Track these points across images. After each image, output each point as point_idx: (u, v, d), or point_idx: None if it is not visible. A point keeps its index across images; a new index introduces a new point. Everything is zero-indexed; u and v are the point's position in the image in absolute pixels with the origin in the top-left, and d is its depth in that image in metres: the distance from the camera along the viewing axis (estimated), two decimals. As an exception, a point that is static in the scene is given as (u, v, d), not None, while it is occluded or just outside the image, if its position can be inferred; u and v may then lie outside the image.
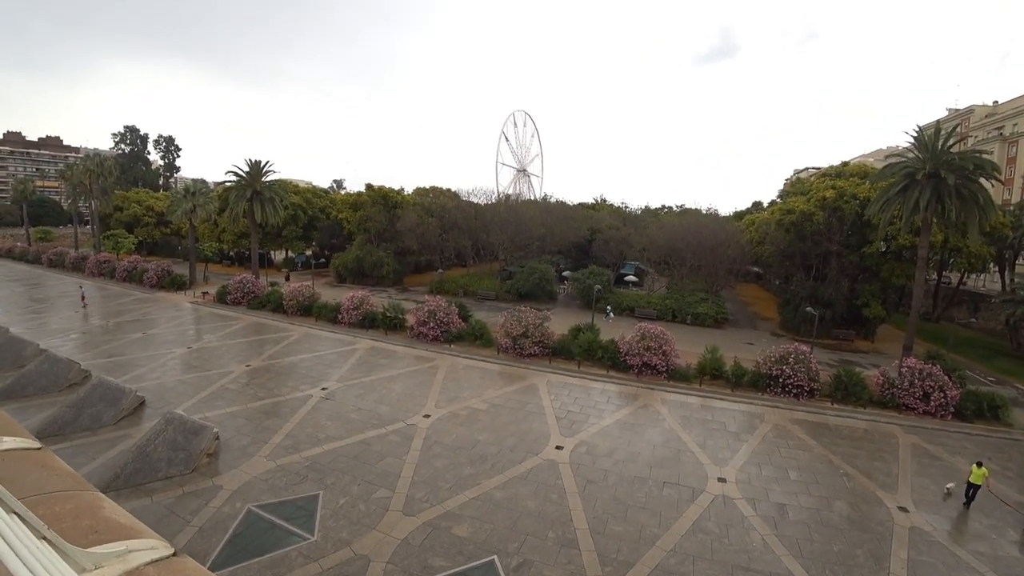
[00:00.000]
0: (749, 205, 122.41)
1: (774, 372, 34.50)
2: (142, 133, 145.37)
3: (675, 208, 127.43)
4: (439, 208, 75.77)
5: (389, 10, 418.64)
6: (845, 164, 65.75)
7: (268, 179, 63.47)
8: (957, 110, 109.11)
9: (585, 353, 38.45)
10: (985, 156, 42.69)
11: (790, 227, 56.00)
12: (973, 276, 77.51)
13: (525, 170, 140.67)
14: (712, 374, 36.30)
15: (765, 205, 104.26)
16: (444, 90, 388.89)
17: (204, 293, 60.24)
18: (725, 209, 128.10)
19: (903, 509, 21.43)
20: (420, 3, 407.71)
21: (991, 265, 66.72)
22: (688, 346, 40.89)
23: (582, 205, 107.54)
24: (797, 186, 69.05)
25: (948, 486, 22.52)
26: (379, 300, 52.13)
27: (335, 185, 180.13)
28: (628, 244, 75.25)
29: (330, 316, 48.92)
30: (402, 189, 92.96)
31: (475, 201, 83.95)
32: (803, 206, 54.84)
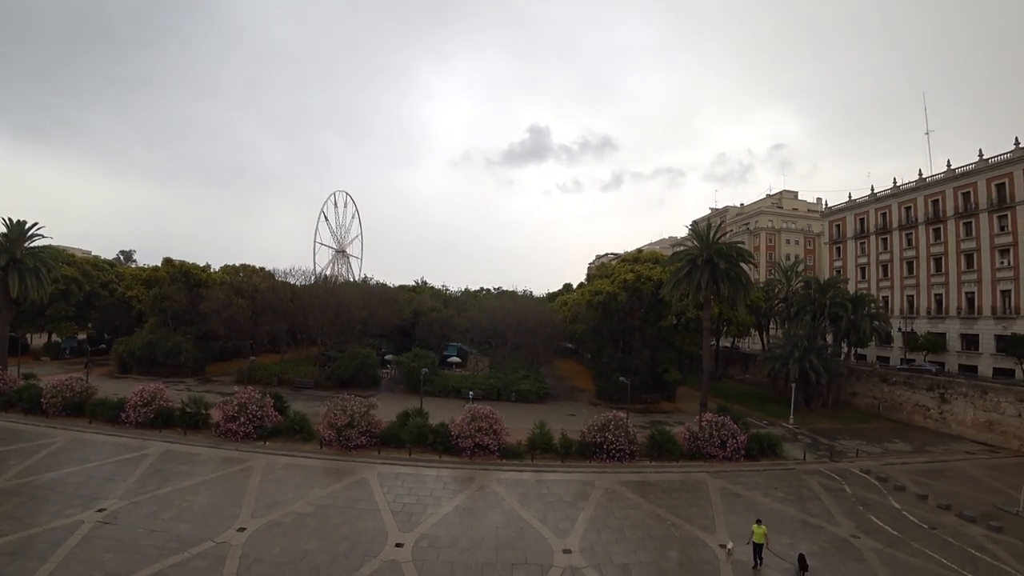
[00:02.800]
0: (560, 287, 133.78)
1: (598, 440, 37.15)
2: None
3: (493, 290, 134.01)
4: (250, 288, 68.83)
5: (217, 83, 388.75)
6: (640, 251, 76.98)
7: (33, 244, 53.21)
8: (716, 209, 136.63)
9: (416, 439, 37.08)
10: (742, 246, 53.82)
11: (598, 306, 63.02)
12: (742, 340, 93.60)
13: (344, 251, 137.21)
14: (542, 448, 37.65)
15: (574, 287, 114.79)
16: (258, 167, 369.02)
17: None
18: (539, 290, 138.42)
19: (723, 546, 24.14)
20: (242, 75, 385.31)
21: (753, 331, 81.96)
22: (516, 423, 41.78)
23: (403, 287, 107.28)
24: (602, 269, 77.87)
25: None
26: (176, 393, 45.14)
27: (122, 257, 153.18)
28: (451, 326, 76.50)
29: (110, 415, 39.93)
30: (208, 266, 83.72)
31: (291, 282, 78.46)
32: (608, 287, 62.24)
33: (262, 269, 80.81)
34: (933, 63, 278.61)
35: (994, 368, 60.33)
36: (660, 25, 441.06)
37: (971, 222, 65.14)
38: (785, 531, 26.48)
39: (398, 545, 22.51)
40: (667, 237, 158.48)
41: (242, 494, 27.39)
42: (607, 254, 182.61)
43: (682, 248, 55.16)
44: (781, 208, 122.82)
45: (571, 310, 73.98)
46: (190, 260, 76.94)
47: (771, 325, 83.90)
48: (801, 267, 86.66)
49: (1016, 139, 60.08)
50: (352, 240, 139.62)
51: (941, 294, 68.73)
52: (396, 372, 65.12)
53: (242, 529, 23.23)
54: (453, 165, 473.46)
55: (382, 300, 78.06)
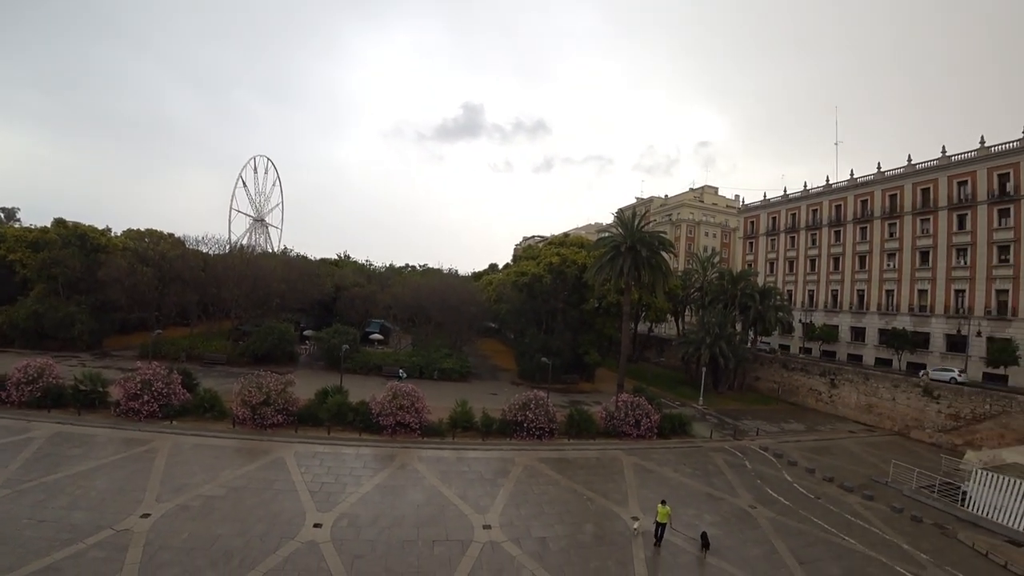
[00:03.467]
0: (487, 267, 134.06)
1: (519, 418, 38.03)
2: None
3: (419, 267, 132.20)
4: (157, 256, 63.33)
5: (120, 23, 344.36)
6: (566, 235, 78.77)
7: None
8: (642, 198, 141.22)
9: (335, 417, 36.35)
10: (663, 235, 56.31)
11: (523, 287, 64.08)
12: (659, 325, 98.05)
13: (263, 220, 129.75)
14: (464, 426, 38.08)
15: (500, 267, 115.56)
16: (168, 123, 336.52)
17: None
18: (465, 269, 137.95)
19: (635, 518, 25.63)
20: (150, 18, 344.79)
21: (669, 317, 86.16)
22: (438, 401, 41.92)
23: (325, 261, 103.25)
24: (528, 251, 78.91)
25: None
26: (69, 369, 41.52)
27: (2, 215, 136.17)
28: (374, 302, 74.86)
29: (-14, 396, 35.29)
30: (108, 230, 76.52)
31: (204, 251, 73.39)
32: (534, 269, 63.35)
33: (171, 235, 74.84)
34: (845, 82, 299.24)
35: (876, 358, 67.29)
36: (601, 13, 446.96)
37: (866, 227, 71.60)
38: (692, 504, 28.56)
39: (316, 525, 22.14)
40: (593, 223, 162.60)
41: (146, 478, 25.64)
42: (534, 236, 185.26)
43: (607, 234, 56.80)
44: (702, 202, 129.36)
45: (496, 290, 74.86)
46: (87, 222, 70.27)
47: (686, 312, 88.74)
48: (717, 259, 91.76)
49: (909, 156, 67.37)
50: (272, 209, 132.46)
51: (837, 290, 75.27)
52: (315, 348, 63.18)
53: (146, 515, 21.70)
54: (383, 137, 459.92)
55: (302, 273, 74.95)
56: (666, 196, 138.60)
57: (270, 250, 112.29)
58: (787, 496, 31.15)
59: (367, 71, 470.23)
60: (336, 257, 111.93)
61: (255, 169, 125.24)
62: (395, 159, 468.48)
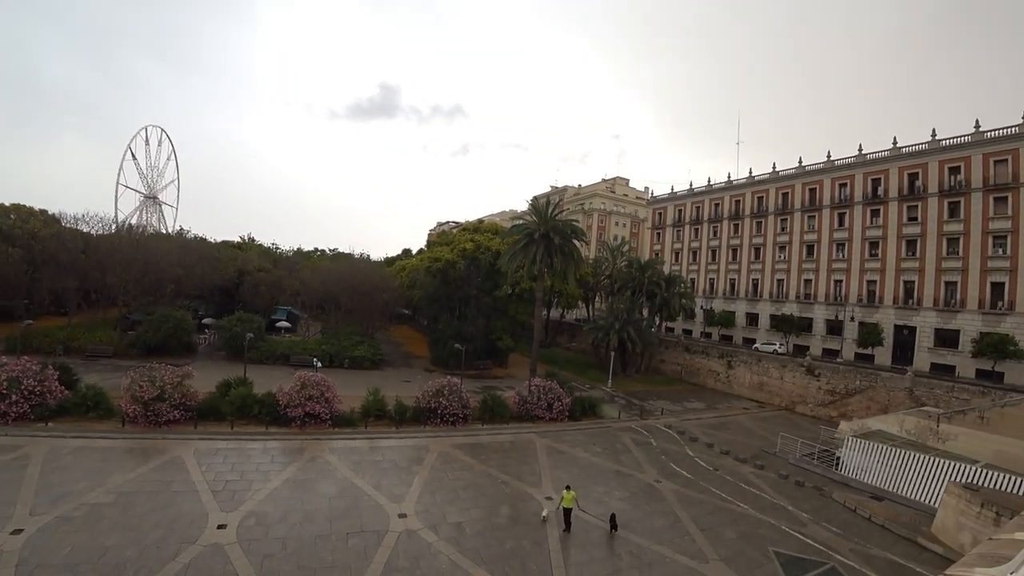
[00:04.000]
0: (400, 252, 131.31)
1: (432, 405, 37.89)
2: None
3: (329, 251, 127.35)
4: (26, 235, 55.79)
5: None
6: (481, 221, 78.83)
7: None
8: (556, 187, 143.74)
9: (239, 411, 34.40)
10: (576, 224, 57.94)
11: (437, 273, 63.61)
12: (571, 311, 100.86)
13: (156, 197, 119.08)
14: (376, 415, 37.35)
15: (414, 252, 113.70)
16: (41, 82, 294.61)
17: None
18: (377, 254, 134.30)
19: (549, 498, 26.45)
20: None
21: (580, 303, 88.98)
22: (349, 390, 40.92)
23: (227, 244, 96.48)
24: (442, 237, 78.37)
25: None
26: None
27: None
28: (280, 288, 71.32)
29: None
30: None
31: (84, 230, 66.12)
32: (448, 255, 62.97)
33: (43, 212, 66.38)
34: (747, 86, 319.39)
35: (768, 341, 73.06)
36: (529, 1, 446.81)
37: (762, 222, 77.89)
38: (602, 481, 29.88)
39: (220, 527, 20.86)
40: (508, 210, 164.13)
41: (16, 489, 22.50)
42: (448, 222, 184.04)
43: (521, 222, 57.81)
44: (614, 193, 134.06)
45: (409, 276, 73.82)
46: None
47: (596, 299, 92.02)
48: (626, 248, 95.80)
49: (800, 159, 74.09)
50: (166, 186, 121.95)
51: (735, 279, 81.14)
52: (216, 338, 59.26)
53: (18, 531, 19.04)
54: (292, 113, 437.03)
55: (201, 257, 69.50)
56: (579, 186, 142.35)
57: (164, 231, 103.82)
58: (689, 469, 33.36)
59: (274, 38, 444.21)
60: (239, 240, 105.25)
61: (147, 141, 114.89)
62: (305, 137, 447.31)
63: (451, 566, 19.56)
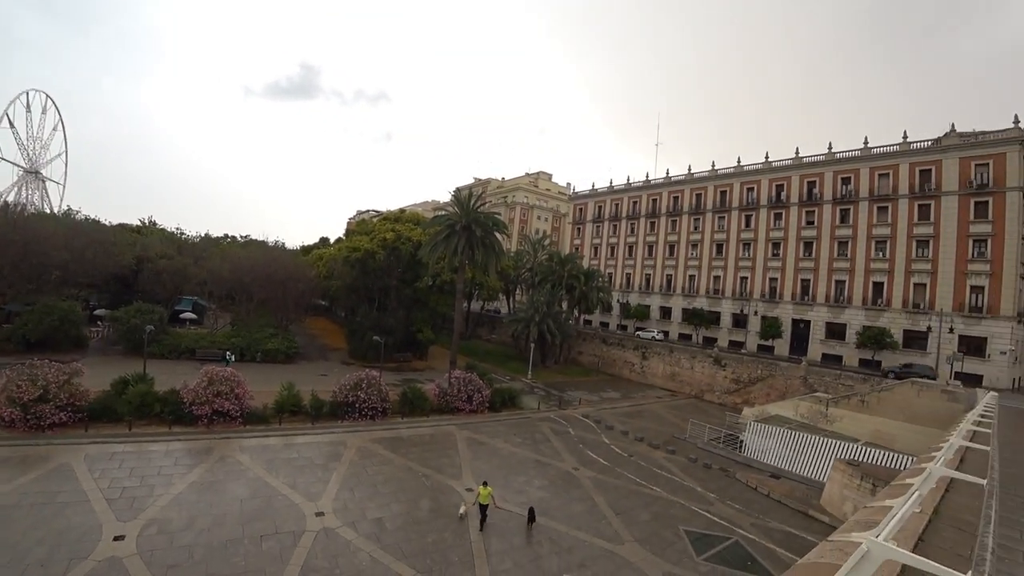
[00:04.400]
0: (317, 240, 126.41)
1: (350, 399, 36.77)
2: None
3: (240, 238, 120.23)
4: None
5: None
6: (402, 211, 77.34)
7: None
8: (480, 179, 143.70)
9: (138, 411, 31.77)
10: (498, 217, 58.20)
11: (356, 263, 61.77)
12: (492, 303, 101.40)
13: (38, 172, 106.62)
14: (291, 410, 35.78)
15: (332, 241, 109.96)
16: None
17: None
18: (293, 242, 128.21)
19: (469, 489, 26.45)
20: None
21: (502, 295, 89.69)
22: (262, 385, 38.94)
23: (125, 227, 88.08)
24: (362, 226, 76.06)
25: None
26: None
27: None
28: (185, 276, 66.30)
29: None
30: None
31: None
32: (368, 245, 61.30)
33: None
34: (666, 89, 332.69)
35: (680, 333, 77.31)
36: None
37: (676, 220, 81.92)
38: (522, 471, 30.31)
39: (118, 539, 19.03)
40: (431, 200, 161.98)
41: None
42: (369, 211, 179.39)
43: (443, 213, 57.34)
44: (537, 187, 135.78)
45: (327, 265, 71.29)
46: None
47: (517, 291, 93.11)
48: (547, 242, 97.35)
49: (712, 162, 79.27)
50: (52, 160, 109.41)
51: (651, 274, 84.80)
52: (111, 331, 54.32)
53: None
54: (202, 88, 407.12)
55: (93, 240, 62.50)
56: (503, 179, 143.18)
57: (48, 210, 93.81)
58: (605, 457, 34.56)
59: (184, 3, 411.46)
60: (139, 223, 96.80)
61: (27, 107, 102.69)
62: (216, 114, 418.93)
63: (371, 563, 19.16)
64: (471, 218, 50.97)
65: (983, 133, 54.93)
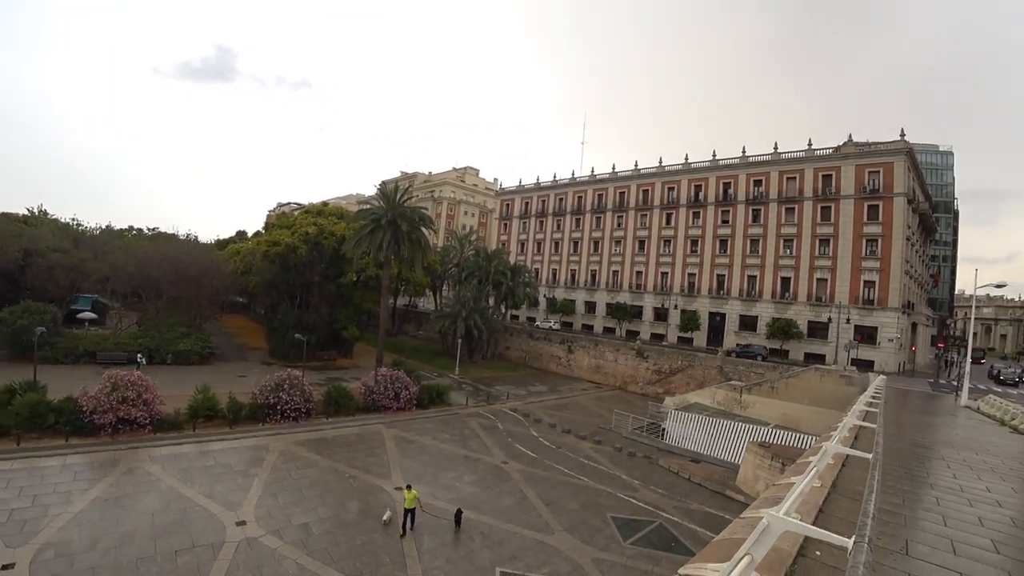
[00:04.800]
0: (233, 234, 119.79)
1: (271, 400, 35.27)
2: None
3: (147, 231, 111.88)
4: None
5: None
6: (325, 204, 74.66)
7: None
8: (407, 173, 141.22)
9: (29, 422, 28.88)
10: (424, 212, 57.54)
11: (276, 258, 59.04)
12: (419, 300, 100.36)
13: None
14: (207, 415, 33.74)
15: (250, 235, 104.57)
16: None
17: None
18: (207, 236, 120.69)
19: (398, 488, 25.98)
20: None
21: (429, 291, 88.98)
22: (174, 389, 36.50)
23: (9, 216, 78.94)
24: (282, 219, 72.47)
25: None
26: None
27: None
28: (83, 272, 60.27)
29: None
30: None
31: None
32: (289, 239, 58.71)
33: None
34: (594, 95, 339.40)
35: (604, 327, 79.78)
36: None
37: (600, 217, 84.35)
38: (451, 467, 30.27)
39: (7, 567, 17.34)
40: (356, 193, 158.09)
41: None
42: (290, 203, 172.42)
43: (368, 206, 56.04)
44: (464, 182, 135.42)
45: (244, 261, 67.66)
46: None
47: (444, 287, 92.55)
48: (474, 237, 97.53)
49: (636, 162, 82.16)
50: None
51: (576, 270, 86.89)
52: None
53: None
54: (101, 61, 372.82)
55: None
56: (430, 173, 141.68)
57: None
58: (534, 449, 35.14)
59: None
60: (27, 212, 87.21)
61: None
62: (119, 94, 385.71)
63: (299, 571, 18.47)
64: (397, 212, 50.15)
65: (875, 144, 60.81)
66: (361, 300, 62.83)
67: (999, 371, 63.29)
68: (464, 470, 30.17)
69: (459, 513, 23.01)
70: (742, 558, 3.67)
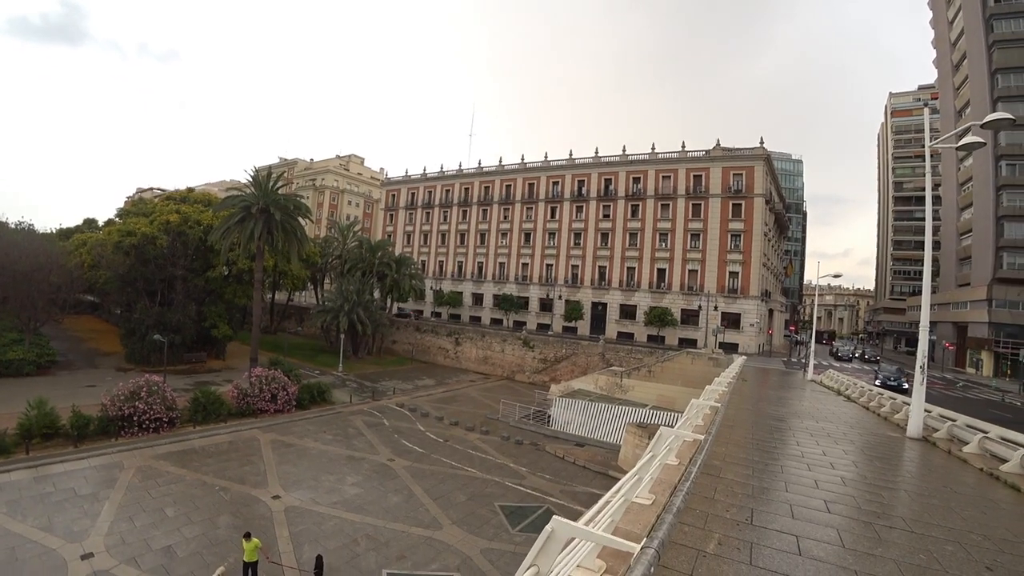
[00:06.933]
0: (81, 222, 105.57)
1: (126, 411, 31.40)
2: None
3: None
4: None
5: None
6: (191, 190, 67.84)
7: None
8: (286, 159, 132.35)
9: None
10: (302, 200, 54.45)
11: (131, 250, 52.63)
12: (300, 294, 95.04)
13: None
14: (44, 434, 29.46)
15: (101, 224, 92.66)
16: None
17: None
18: (47, 225, 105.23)
19: (276, 497, 24.55)
20: None
21: (309, 285, 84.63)
22: (3, 406, 31.93)
23: None
24: (139, 206, 64.84)
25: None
26: None
27: None
28: None
29: None
30: None
31: None
32: (146, 228, 52.63)
33: None
34: (485, 86, 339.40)
35: (491, 318, 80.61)
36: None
37: (487, 209, 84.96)
38: (334, 469, 28.96)
39: None
40: (227, 180, 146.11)
41: None
42: (152, 189, 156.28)
43: (238, 194, 51.58)
44: (348, 171, 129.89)
45: (93, 253, 59.73)
46: None
47: (326, 280, 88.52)
48: (358, 228, 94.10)
49: (522, 156, 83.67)
50: None
51: (463, 261, 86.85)
52: None
53: None
54: None
55: None
56: (312, 160, 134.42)
57: None
58: (421, 444, 34.64)
59: None
60: None
61: None
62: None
63: (151, 598, 16.76)
64: (270, 200, 46.94)
65: (739, 149, 66.73)
66: (233, 295, 58.10)
67: (836, 349, 72.92)
68: (348, 471, 28.94)
69: (320, 560, 18.26)
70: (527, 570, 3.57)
